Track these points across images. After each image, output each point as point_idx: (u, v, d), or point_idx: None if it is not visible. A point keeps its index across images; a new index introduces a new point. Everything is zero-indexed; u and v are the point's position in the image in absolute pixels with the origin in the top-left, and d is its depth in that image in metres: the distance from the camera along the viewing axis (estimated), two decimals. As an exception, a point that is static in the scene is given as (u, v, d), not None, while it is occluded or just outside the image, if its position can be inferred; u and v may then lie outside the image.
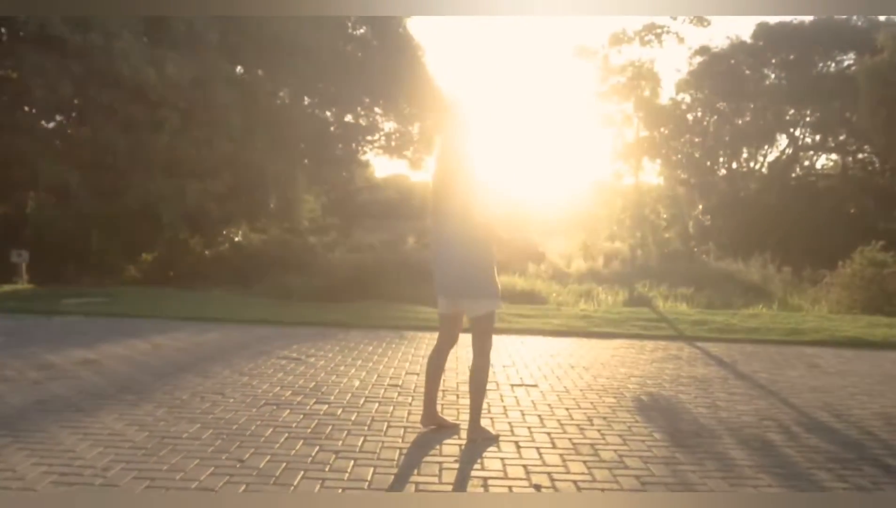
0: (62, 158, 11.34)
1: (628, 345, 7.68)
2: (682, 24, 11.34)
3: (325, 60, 20.96)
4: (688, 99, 31.38)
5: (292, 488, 3.18)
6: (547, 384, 5.51)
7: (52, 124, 11.65)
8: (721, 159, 32.00)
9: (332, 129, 22.67)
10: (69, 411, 4.36)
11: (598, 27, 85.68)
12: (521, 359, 6.54)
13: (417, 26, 74.00)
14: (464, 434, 4.01)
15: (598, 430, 4.23)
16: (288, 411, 4.50)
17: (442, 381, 4.43)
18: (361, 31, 28.81)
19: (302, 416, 4.38)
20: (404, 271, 15.28)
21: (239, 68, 16.87)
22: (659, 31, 11.36)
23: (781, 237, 24.15)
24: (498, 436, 4.04)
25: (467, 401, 4.09)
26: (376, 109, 30.44)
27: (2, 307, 9.40)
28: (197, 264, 14.63)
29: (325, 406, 4.64)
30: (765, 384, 5.68)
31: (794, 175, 31.30)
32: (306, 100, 22.31)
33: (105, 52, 11.25)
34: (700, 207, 30.71)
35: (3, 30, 11.51)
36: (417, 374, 5.69)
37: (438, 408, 4.29)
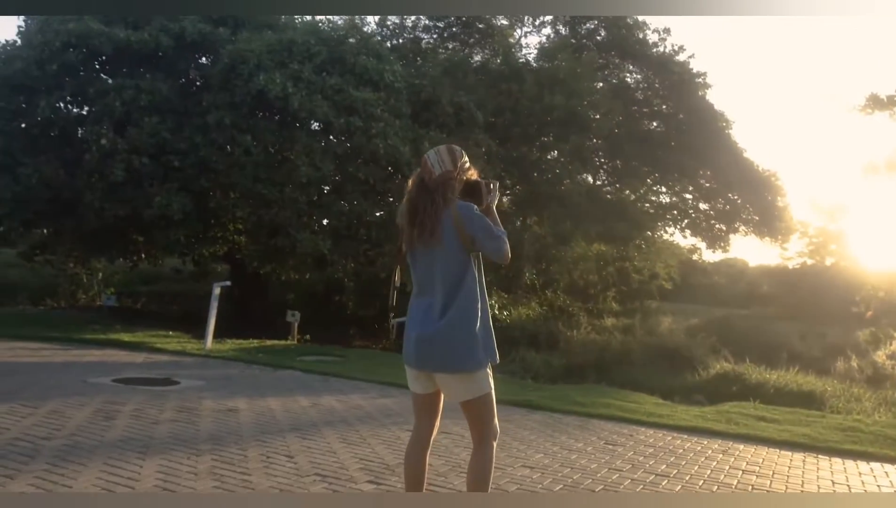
0: (319, 228, 12.68)
1: (873, 472, 5.56)
2: None
3: (608, 134, 20.57)
4: None
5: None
6: (684, 505, 4.15)
7: (312, 197, 13.08)
8: None
9: (614, 203, 21.88)
10: (134, 451, 4.46)
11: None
12: (694, 469, 5.10)
13: (720, 97, 69.30)
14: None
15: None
16: (324, 486, 4.02)
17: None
18: (665, 106, 27.84)
19: (331, 492, 3.87)
20: (654, 356, 13.78)
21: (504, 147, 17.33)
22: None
23: None
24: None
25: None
26: (675, 186, 28.82)
27: (251, 359, 10.51)
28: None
29: (372, 487, 4.05)
30: None
31: None
32: (588, 176, 22.03)
33: (364, 133, 12.42)
34: None
35: (298, 124, 13.43)
36: (530, 467, 4.76)
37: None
